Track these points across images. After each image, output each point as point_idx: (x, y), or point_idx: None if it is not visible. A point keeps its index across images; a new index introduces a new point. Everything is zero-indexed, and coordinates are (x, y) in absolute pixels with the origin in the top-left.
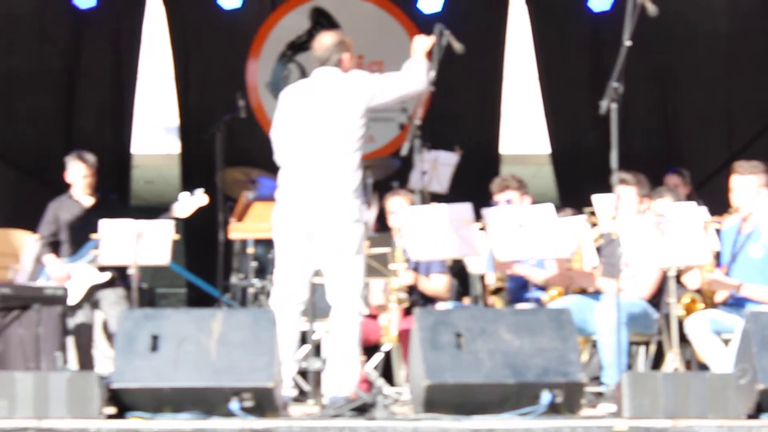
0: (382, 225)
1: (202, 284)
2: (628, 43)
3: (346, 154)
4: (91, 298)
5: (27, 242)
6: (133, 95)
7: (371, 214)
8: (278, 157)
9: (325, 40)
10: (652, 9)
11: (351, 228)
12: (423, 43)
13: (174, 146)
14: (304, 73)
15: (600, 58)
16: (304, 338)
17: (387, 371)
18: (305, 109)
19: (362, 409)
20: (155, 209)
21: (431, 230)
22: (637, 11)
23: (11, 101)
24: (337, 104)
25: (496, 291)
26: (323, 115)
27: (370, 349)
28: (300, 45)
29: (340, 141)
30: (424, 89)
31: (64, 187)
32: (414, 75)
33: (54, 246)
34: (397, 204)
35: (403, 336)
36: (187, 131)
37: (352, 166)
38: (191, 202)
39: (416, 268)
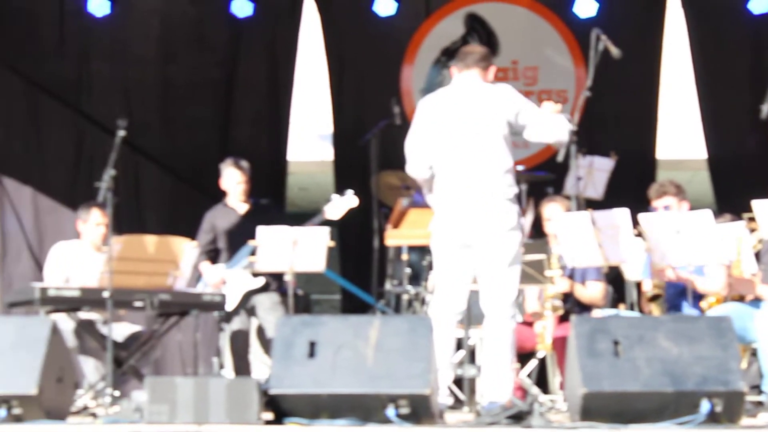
0: (537, 231)
1: (357, 291)
2: None
3: (499, 161)
4: (246, 304)
5: (186, 249)
6: (289, 103)
7: (527, 221)
8: (412, 168)
9: (476, 46)
10: None
11: (508, 236)
12: (550, 107)
13: (328, 153)
14: None
15: (760, 60)
16: (459, 345)
17: (541, 379)
18: (454, 117)
19: (518, 417)
20: (309, 216)
21: (587, 237)
22: None
23: (169, 109)
24: (485, 112)
25: (654, 298)
26: (473, 122)
27: (524, 356)
28: (454, 51)
29: (492, 148)
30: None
31: (220, 194)
32: (559, 129)
33: (213, 254)
34: (553, 210)
35: (558, 343)
36: (341, 138)
37: (507, 173)
38: (342, 203)
39: (572, 275)
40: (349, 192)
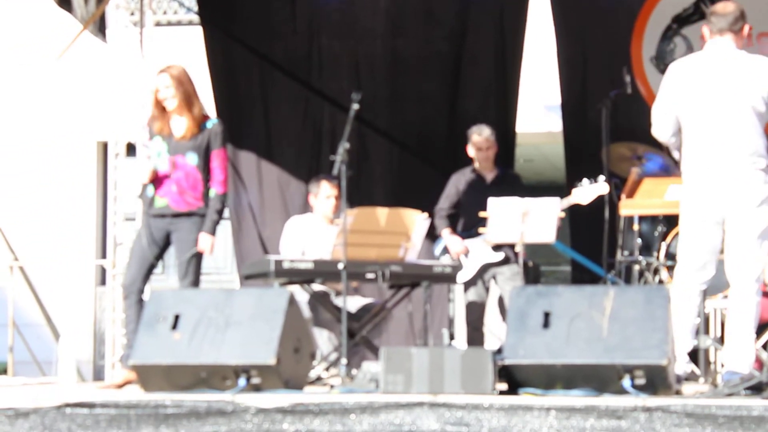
0: None
1: (586, 262)
2: None
3: (749, 133)
4: (484, 275)
5: (416, 221)
6: (517, 75)
7: None
8: (658, 131)
9: (728, 5)
10: None
11: (759, 210)
12: None
13: (554, 124)
14: (690, 47)
15: None
16: None
17: None
18: (704, 87)
19: (757, 388)
20: (535, 188)
21: None
22: None
23: (397, 83)
24: (738, 84)
25: None
26: (724, 94)
27: (760, 327)
28: (686, 18)
29: (745, 121)
30: None
31: (448, 168)
32: None
33: (453, 219)
34: None
35: None
36: (569, 109)
37: (758, 145)
38: (592, 189)
39: None
40: (601, 178)
